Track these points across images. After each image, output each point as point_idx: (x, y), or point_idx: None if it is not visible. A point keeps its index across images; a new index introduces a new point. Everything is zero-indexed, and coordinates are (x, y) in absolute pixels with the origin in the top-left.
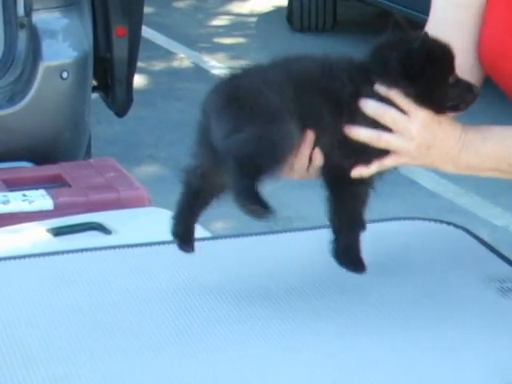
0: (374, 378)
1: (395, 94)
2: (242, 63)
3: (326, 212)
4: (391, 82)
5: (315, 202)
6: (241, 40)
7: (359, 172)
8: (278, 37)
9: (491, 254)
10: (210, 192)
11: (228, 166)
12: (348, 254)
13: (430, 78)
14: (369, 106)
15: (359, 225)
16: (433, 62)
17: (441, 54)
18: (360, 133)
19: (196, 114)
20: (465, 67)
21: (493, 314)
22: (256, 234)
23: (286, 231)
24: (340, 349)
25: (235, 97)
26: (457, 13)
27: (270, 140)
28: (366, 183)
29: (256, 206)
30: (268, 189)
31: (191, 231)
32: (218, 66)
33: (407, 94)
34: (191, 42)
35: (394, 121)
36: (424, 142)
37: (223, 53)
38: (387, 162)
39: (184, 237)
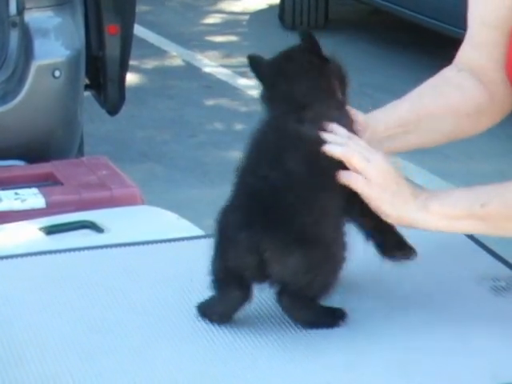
0: (366, 377)
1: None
2: (234, 61)
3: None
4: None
5: None
6: (233, 38)
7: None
8: (270, 35)
9: (484, 253)
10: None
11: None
12: (401, 244)
13: None
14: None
15: None
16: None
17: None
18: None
19: (188, 112)
20: (496, 86)
21: (486, 313)
22: None
23: None
24: (334, 347)
25: (296, 240)
26: (489, 33)
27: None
28: None
29: (334, 321)
30: None
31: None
32: (210, 64)
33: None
34: (183, 41)
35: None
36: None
37: (215, 51)
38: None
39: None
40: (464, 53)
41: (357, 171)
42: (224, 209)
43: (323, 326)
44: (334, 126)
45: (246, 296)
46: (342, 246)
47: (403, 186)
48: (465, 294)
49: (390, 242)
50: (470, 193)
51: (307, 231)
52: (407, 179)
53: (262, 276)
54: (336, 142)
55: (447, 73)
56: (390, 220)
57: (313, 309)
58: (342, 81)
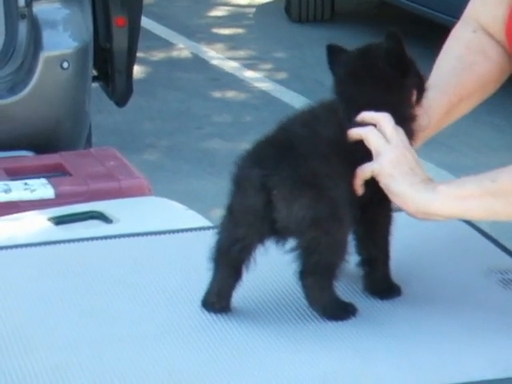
0: (373, 369)
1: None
2: (240, 54)
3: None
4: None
5: None
6: (239, 31)
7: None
8: (276, 27)
9: (492, 246)
10: (248, 263)
11: (308, 276)
12: (386, 281)
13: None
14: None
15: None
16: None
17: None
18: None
19: (195, 104)
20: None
21: (494, 306)
22: None
23: None
24: (339, 340)
25: (305, 183)
26: None
27: (345, 238)
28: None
29: (345, 314)
30: None
31: (229, 301)
32: (217, 57)
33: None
34: (190, 33)
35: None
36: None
37: (222, 43)
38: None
39: (221, 307)
40: (474, 11)
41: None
42: (239, 157)
43: (335, 318)
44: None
45: (238, 275)
46: (347, 228)
47: (416, 170)
48: (473, 287)
49: (377, 275)
50: (478, 175)
51: (318, 181)
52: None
53: (267, 229)
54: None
55: (465, 35)
56: (396, 201)
57: (329, 295)
58: (419, 93)
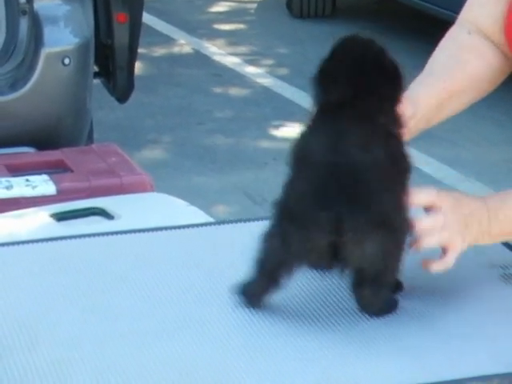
0: (376, 364)
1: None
2: (242, 49)
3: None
4: None
5: None
6: (241, 26)
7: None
8: (277, 23)
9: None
10: (295, 264)
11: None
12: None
13: None
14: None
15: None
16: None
17: None
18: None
19: (197, 100)
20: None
21: (495, 300)
22: (258, 220)
23: None
24: (339, 335)
25: (378, 222)
26: None
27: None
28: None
29: (392, 309)
30: (269, 174)
31: (261, 302)
32: (219, 52)
33: None
34: (191, 28)
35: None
36: (460, 222)
37: (223, 39)
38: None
39: (253, 305)
40: (471, 13)
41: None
42: (289, 185)
43: (384, 314)
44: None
45: (276, 286)
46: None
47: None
48: (474, 282)
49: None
50: None
51: (388, 216)
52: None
53: (329, 260)
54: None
55: (460, 36)
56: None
57: (386, 298)
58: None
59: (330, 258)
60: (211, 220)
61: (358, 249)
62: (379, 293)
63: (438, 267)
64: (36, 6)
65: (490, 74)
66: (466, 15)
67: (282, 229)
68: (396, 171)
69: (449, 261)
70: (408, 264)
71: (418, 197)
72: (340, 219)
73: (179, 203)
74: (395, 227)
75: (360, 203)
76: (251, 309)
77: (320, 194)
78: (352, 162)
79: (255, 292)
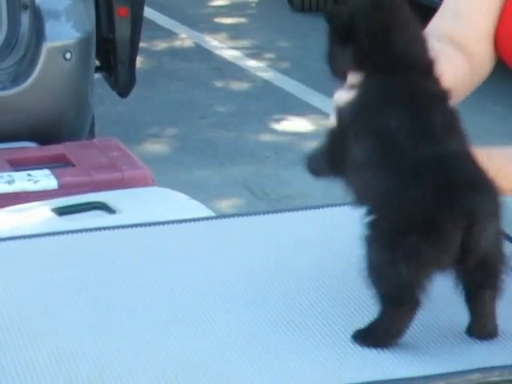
0: (377, 355)
1: None
2: (243, 43)
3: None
4: None
5: (316, 179)
6: (242, 20)
7: None
8: (278, 17)
9: None
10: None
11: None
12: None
13: None
14: None
15: None
16: None
17: None
18: None
19: (198, 94)
20: (479, 57)
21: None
22: (259, 213)
23: (289, 210)
24: (342, 326)
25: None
26: (477, 2)
27: None
28: None
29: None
30: (270, 168)
31: None
32: (220, 46)
33: None
34: (193, 22)
35: None
36: None
37: (224, 33)
38: None
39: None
40: (444, 22)
41: None
42: (392, 194)
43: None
44: None
45: (419, 306)
46: None
47: None
48: None
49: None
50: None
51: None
52: None
53: (457, 259)
54: None
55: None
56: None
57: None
58: None
59: (459, 256)
60: (212, 214)
61: (485, 235)
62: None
63: None
64: (37, 0)
65: (460, 81)
66: (436, 26)
67: (403, 244)
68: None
69: None
70: None
71: None
72: (471, 210)
73: (180, 197)
74: (498, 211)
75: (487, 195)
76: (255, 304)
77: (451, 197)
78: (452, 151)
79: (398, 330)
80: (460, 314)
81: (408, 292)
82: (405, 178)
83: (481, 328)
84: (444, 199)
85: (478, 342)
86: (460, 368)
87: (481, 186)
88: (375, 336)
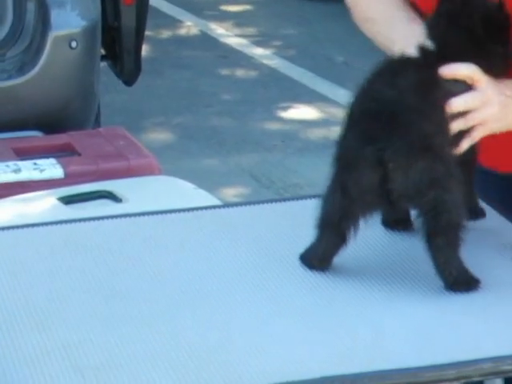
0: (387, 344)
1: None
2: (249, 31)
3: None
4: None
5: (323, 168)
6: (248, 7)
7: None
8: (284, 4)
9: (506, 222)
10: (355, 231)
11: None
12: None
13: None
14: (453, 107)
15: None
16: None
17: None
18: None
19: (204, 82)
20: None
21: (508, 282)
22: (266, 202)
23: (296, 199)
24: (352, 316)
25: (418, 149)
26: None
27: (461, 196)
28: None
29: (475, 283)
30: (277, 157)
31: (330, 262)
32: (226, 34)
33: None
34: (198, 10)
35: (472, 101)
36: (501, 100)
37: (230, 20)
38: (477, 135)
39: (322, 267)
40: None
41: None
42: (341, 136)
43: (465, 286)
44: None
45: (343, 242)
46: (461, 186)
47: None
48: (486, 263)
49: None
50: None
51: (429, 144)
52: None
53: (382, 201)
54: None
55: None
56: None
57: (458, 258)
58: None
59: (383, 196)
60: (218, 203)
61: (401, 176)
62: (453, 243)
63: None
64: None
65: None
66: None
67: (339, 179)
68: (435, 106)
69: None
70: (420, 244)
71: (459, 68)
72: (383, 151)
73: (187, 186)
74: (439, 155)
75: (399, 133)
76: (263, 292)
77: (364, 135)
78: (386, 102)
79: (323, 253)
80: (472, 304)
81: (336, 220)
82: (347, 126)
83: (443, 277)
84: (363, 143)
85: (489, 331)
86: (471, 357)
87: (397, 130)
88: (307, 256)
